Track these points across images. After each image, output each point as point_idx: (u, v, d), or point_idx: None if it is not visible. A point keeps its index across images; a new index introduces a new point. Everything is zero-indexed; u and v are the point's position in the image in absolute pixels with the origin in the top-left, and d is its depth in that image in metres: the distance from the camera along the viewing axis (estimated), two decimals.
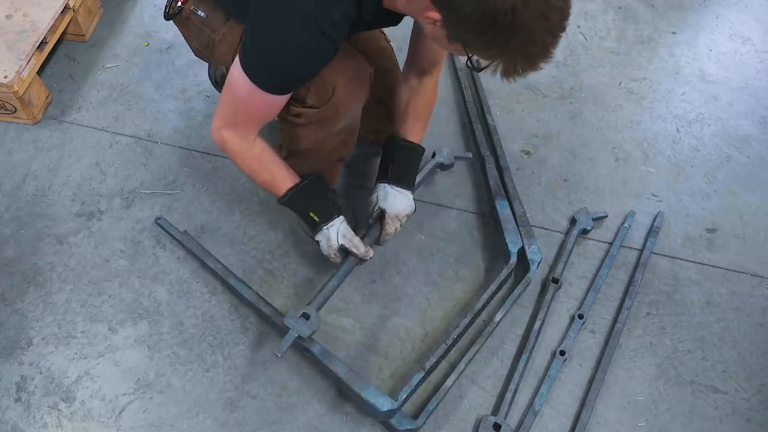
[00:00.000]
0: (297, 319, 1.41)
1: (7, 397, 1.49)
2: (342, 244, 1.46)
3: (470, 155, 1.87)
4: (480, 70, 1.12)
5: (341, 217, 1.48)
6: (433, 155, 1.79)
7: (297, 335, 1.39)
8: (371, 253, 1.50)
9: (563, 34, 1.05)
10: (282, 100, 1.28)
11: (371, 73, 1.43)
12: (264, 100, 1.25)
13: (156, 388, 1.51)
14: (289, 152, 1.52)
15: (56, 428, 1.45)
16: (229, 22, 1.43)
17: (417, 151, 1.57)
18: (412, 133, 1.56)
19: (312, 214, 1.45)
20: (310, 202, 1.46)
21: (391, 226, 1.53)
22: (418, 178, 1.67)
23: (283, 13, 1.15)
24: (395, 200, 1.52)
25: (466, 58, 1.13)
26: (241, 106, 1.29)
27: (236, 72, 1.23)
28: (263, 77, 1.21)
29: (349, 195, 1.84)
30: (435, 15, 1.07)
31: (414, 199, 1.57)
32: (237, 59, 1.23)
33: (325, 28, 1.14)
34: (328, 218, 1.46)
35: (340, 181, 1.85)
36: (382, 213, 1.53)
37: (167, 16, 1.49)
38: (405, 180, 1.55)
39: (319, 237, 1.48)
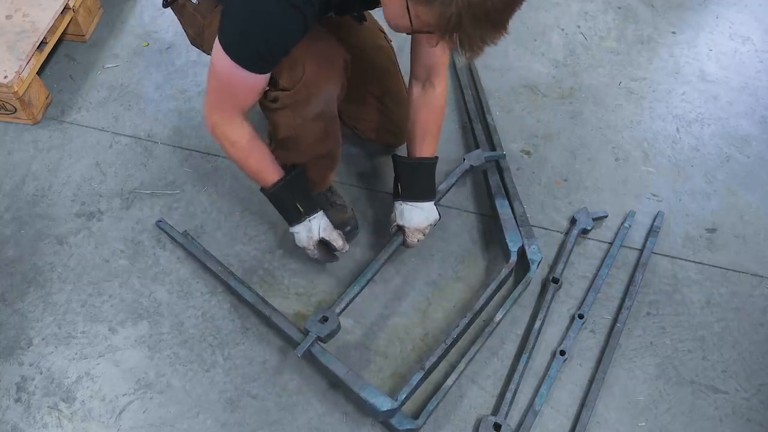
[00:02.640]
0: (316, 322, 1.46)
1: (7, 397, 1.49)
2: (323, 237, 1.53)
3: (503, 153, 1.86)
4: (423, 31, 1.10)
5: (321, 212, 1.54)
6: (464, 160, 1.80)
7: (316, 336, 1.43)
8: (347, 247, 1.58)
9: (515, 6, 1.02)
10: (260, 81, 1.30)
11: (346, 59, 1.43)
12: (242, 79, 1.27)
13: (156, 388, 1.51)
14: (276, 143, 1.54)
15: (56, 428, 1.45)
16: (217, 8, 1.45)
17: (423, 163, 1.58)
18: (421, 149, 1.57)
19: (298, 206, 1.50)
20: (296, 195, 1.50)
21: (412, 239, 1.59)
22: (449, 182, 1.74)
23: None
24: (411, 215, 1.56)
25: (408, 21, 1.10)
26: (223, 86, 1.32)
27: (216, 51, 1.26)
28: (237, 50, 1.23)
29: (350, 194, 1.84)
30: None
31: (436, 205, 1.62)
32: (217, 39, 1.25)
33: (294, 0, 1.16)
34: (311, 211, 1.51)
35: (341, 181, 1.85)
36: (402, 228, 1.58)
37: (165, 4, 1.52)
38: (417, 194, 1.57)
39: (298, 228, 1.53)
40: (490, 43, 1.06)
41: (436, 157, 1.60)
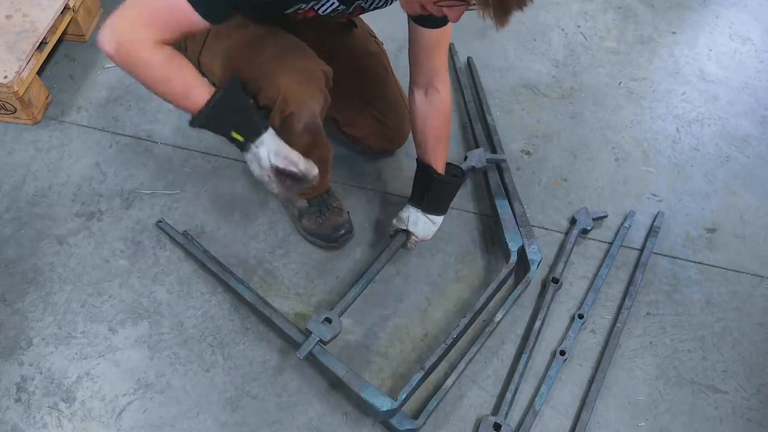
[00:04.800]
0: (319, 323, 1.44)
1: (8, 397, 1.49)
2: (276, 165, 1.29)
3: (504, 157, 1.85)
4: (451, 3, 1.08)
5: (270, 132, 1.29)
6: (465, 158, 1.80)
7: (318, 339, 1.43)
8: (315, 170, 1.33)
9: None
10: (197, 22, 1.16)
11: (327, 73, 1.40)
12: (184, 14, 1.14)
13: (156, 388, 1.51)
14: None
15: (56, 428, 1.45)
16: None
17: (454, 183, 1.60)
18: (435, 157, 1.55)
19: (235, 135, 1.26)
20: (230, 118, 1.26)
21: (413, 245, 1.63)
22: None
23: None
24: (425, 226, 1.59)
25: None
26: (158, 9, 1.16)
27: None
28: None
29: (350, 195, 1.84)
30: None
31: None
32: None
33: None
34: (254, 135, 1.27)
35: (341, 182, 1.85)
36: (408, 233, 1.60)
37: None
38: (438, 209, 1.60)
39: (248, 158, 1.31)
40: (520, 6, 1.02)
41: (464, 176, 1.63)
